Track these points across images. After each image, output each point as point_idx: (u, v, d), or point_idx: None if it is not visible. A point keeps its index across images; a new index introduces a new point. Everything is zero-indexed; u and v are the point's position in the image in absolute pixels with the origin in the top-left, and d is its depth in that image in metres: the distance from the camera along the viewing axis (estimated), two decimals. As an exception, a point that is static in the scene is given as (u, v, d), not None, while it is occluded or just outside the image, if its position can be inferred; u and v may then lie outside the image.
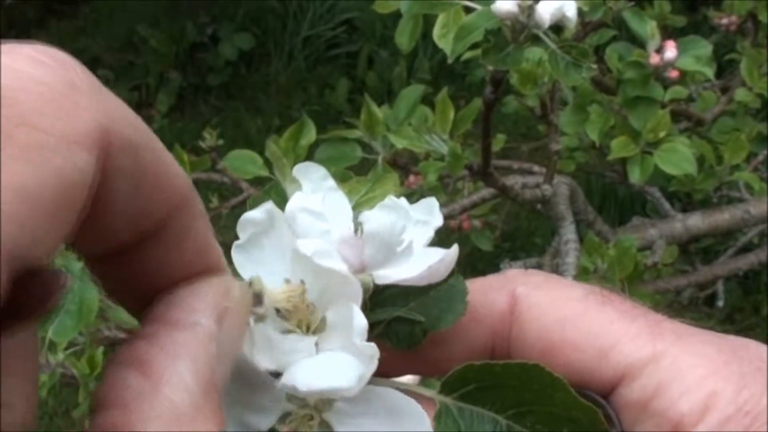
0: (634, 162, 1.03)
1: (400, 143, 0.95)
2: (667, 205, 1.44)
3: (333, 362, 0.24)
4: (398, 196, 0.28)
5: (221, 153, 1.20)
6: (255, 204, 0.27)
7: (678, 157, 1.02)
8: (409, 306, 0.27)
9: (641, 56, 1.00)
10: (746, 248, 1.54)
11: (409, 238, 0.26)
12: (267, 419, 0.26)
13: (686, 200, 1.71)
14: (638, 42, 1.03)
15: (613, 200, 2.20)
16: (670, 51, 0.98)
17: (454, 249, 0.26)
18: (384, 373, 0.26)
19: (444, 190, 1.30)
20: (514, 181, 1.19)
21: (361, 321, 0.24)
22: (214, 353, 0.21)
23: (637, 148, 1.03)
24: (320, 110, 2.77)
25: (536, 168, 1.31)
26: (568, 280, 0.28)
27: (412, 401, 0.25)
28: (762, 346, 0.27)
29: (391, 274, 0.26)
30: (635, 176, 1.03)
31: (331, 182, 0.28)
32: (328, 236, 0.26)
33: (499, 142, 1.43)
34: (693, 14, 2.13)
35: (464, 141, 1.20)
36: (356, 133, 0.98)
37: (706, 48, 1.00)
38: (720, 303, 1.75)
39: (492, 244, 1.47)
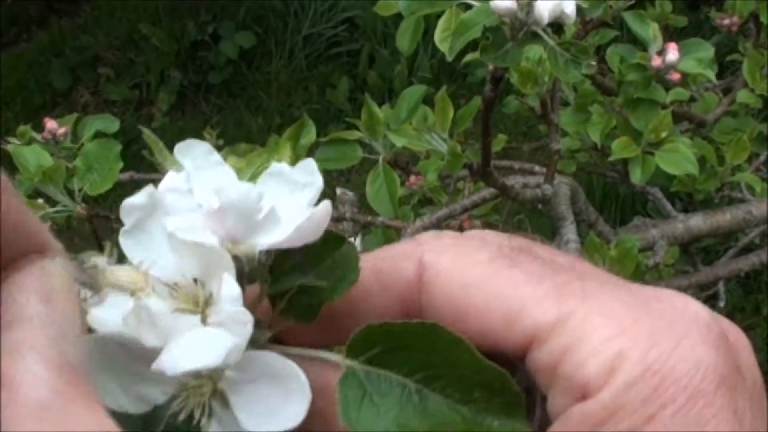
0: (636, 162, 1.03)
1: (399, 142, 0.95)
2: (668, 206, 1.44)
3: (204, 339, 0.24)
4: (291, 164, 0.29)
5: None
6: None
7: (679, 157, 1.02)
8: (308, 277, 0.27)
9: (643, 59, 0.99)
10: (747, 249, 1.54)
11: (270, 204, 0.26)
12: (162, 391, 0.26)
13: (687, 201, 1.71)
14: (640, 43, 1.02)
15: (615, 200, 2.20)
16: (672, 53, 0.98)
17: (323, 205, 0.26)
18: (305, 346, 0.27)
19: (445, 190, 1.29)
20: (514, 181, 1.18)
21: (231, 288, 0.24)
22: (54, 335, 0.21)
23: (639, 149, 1.03)
24: (321, 109, 2.77)
25: (537, 168, 1.31)
26: (477, 242, 0.28)
27: (290, 363, 0.25)
28: (677, 297, 0.26)
29: (264, 240, 0.26)
30: (636, 176, 1.03)
31: (216, 157, 0.28)
32: (196, 212, 0.26)
33: (499, 141, 1.42)
34: (694, 14, 2.13)
35: (465, 140, 1.20)
36: (356, 135, 0.98)
37: (707, 50, 1.00)
38: (721, 303, 1.75)
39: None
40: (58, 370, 0.20)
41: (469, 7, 0.73)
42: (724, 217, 1.26)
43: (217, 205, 0.26)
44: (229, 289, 0.24)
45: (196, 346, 0.24)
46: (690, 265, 1.41)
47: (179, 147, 0.28)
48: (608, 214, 2.13)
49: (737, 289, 2.01)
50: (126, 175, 1.04)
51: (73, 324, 0.22)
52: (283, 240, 0.26)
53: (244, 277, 0.26)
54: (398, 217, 1.00)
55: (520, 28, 0.62)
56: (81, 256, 0.24)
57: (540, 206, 1.14)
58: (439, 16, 0.82)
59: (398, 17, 0.91)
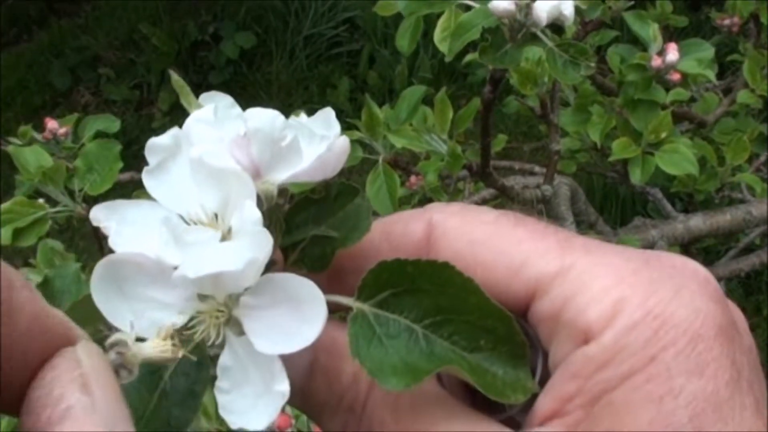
0: (636, 163, 1.03)
1: (398, 143, 0.95)
2: (668, 206, 1.44)
3: (223, 249, 0.25)
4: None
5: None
6: None
7: (679, 158, 1.02)
8: (321, 227, 0.28)
9: (643, 59, 0.99)
10: (748, 249, 1.54)
11: (293, 134, 0.26)
12: (176, 316, 0.26)
13: (688, 201, 1.71)
14: (640, 43, 1.02)
15: (615, 200, 2.20)
16: (672, 54, 0.98)
17: (343, 139, 0.27)
18: None
19: (445, 190, 1.29)
20: (514, 181, 1.18)
21: (252, 211, 0.25)
22: (99, 421, 0.21)
23: (639, 149, 1.03)
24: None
25: (537, 168, 1.31)
26: (484, 207, 0.29)
27: (310, 283, 0.25)
28: (674, 255, 0.27)
29: (284, 171, 0.27)
30: (636, 177, 1.03)
31: (238, 110, 0.28)
32: (222, 143, 0.26)
33: (500, 142, 1.42)
34: (695, 14, 2.12)
35: (465, 140, 1.20)
36: (356, 134, 0.98)
37: (707, 51, 1.00)
38: (721, 304, 1.75)
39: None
40: None
41: (468, 7, 0.73)
42: (725, 218, 1.26)
43: (243, 130, 0.26)
44: (250, 211, 0.25)
45: (216, 254, 0.24)
46: (690, 266, 1.41)
47: (204, 96, 0.28)
48: (608, 215, 2.13)
49: (738, 289, 2.01)
50: (126, 175, 1.04)
51: (117, 404, 0.22)
52: (304, 170, 0.27)
53: (264, 216, 0.26)
54: (398, 217, 1.00)
55: (519, 30, 0.62)
56: (105, 334, 0.24)
57: (540, 207, 1.14)
58: (439, 16, 0.82)
59: (399, 17, 0.91)
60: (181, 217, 0.26)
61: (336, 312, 0.27)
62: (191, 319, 0.26)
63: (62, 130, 1.00)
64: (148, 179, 0.27)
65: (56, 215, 0.90)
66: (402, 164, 1.04)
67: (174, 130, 0.27)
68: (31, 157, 0.92)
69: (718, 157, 1.20)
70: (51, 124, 1.00)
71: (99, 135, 1.02)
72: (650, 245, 1.22)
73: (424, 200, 1.31)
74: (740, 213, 1.26)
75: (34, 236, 0.87)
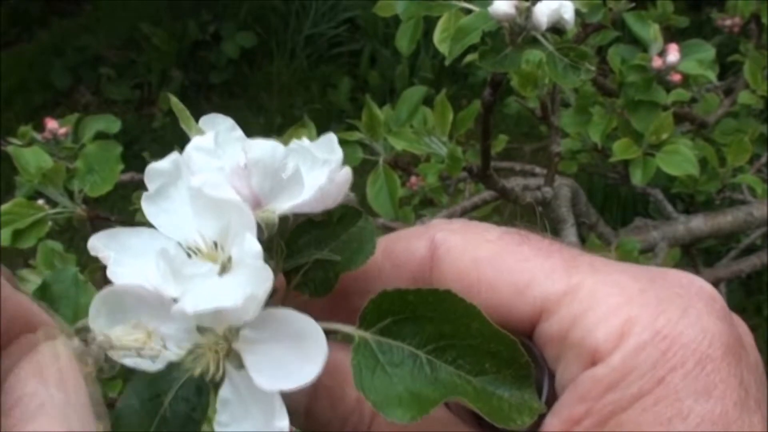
0: (636, 164, 1.03)
1: (398, 145, 0.95)
2: (669, 207, 1.44)
3: (224, 284, 0.24)
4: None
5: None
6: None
7: (680, 159, 1.02)
8: (324, 251, 0.28)
9: (644, 60, 0.99)
10: (748, 250, 1.54)
11: (294, 163, 0.26)
12: (177, 348, 0.26)
13: (689, 202, 1.71)
14: (641, 44, 1.02)
15: (616, 201, 2.20)
16: (673, 54, 0.98)
17: (345, 170, 0.27)
18: None
19: (445, 191, 1.29)
20: (515, 183, 1.18)
21: (253, 244, 0.24)
22: (71, 414, 0.21)
23: (640, 150, 1.02)
24: (322, 109, 2.77)
25: (538, 170, 1.31)
26: (486, 225, 0.28)
27: (308, 318, 0.25)
28: (681, 273, 0.27)
29: (285, 202, 0.26)
30: (637, 178, 1.03)
31: (239, 132, 0.28)
32: (222, 172, 0.26)
33: (500, 142, 1.42)
34: (696, 14, 2.12)
35: (466, 141, 1.19)
36: (357, 136, 0.98)
37: (708, 51, 1.00)
38: (722, 305, 1.75)
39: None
40: None
41: (468, 9, 0.73)
42: (725, 219, 1.26)
43: (244, 161, 0.26)
44: (250, 244, 0.24)
45: (215, 290, 0.24)
46: (691, 267, 1.41)
47: (204, 119, 0.28)
48: (609, 215, 2.12)
49: (738, 290, 2.01)
50: (127, 176, 1.04)
51: (83, 399, 0.22)
52: (305, 202, 0.26)
53: (263, 245, 0.26)
54: (398, 218, 1.00)
55: (519, 33, 0.62)
56: (74, 325, 0.24)
57: (540, 208, 1.14)
58: (439, 16, 0.81)
59: (399, 18, 0.91)
60: (180, 245, 0.26)
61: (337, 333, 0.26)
62: (191, 351, 0.26)
63: (62, 130, 0.99)
64: (147, 206, 0.27)
65: (56, 216, 0.90)
66: (402, 165, 1.04)
67: (174, 155, 0.27)
68: (31, 158, 0.91)
69: (719, 158, 1.20)
70: (51, 124, 1.00)
71: (99, 135, 1.01)
72: (651, 246, 1.22)
73: (425, 201, 1.31)
74: (741, 214, 1.26)
75: (34, 237, 0.87)
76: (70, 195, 0.89)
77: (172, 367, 0.26)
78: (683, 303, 0.25)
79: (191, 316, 0.24)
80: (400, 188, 0.99)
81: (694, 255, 1.40)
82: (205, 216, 0.26)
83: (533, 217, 0.90)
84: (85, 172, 0.90)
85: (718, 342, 0.24)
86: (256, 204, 0.26)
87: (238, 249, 0.25)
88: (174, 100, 0.29)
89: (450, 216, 1.03)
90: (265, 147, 0.26)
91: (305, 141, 0.28)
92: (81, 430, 0.21)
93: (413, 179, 1.26)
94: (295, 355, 0.25)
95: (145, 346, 0.24)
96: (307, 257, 0.27)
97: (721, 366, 0.24)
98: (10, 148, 0.94)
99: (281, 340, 0.25)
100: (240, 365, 0.25)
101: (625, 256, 1.03)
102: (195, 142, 0.27)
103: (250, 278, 0.24)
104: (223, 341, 0.26)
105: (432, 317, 0.25)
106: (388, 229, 1.07)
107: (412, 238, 0.28)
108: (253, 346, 0.25)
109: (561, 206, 1.09)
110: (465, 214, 1.14)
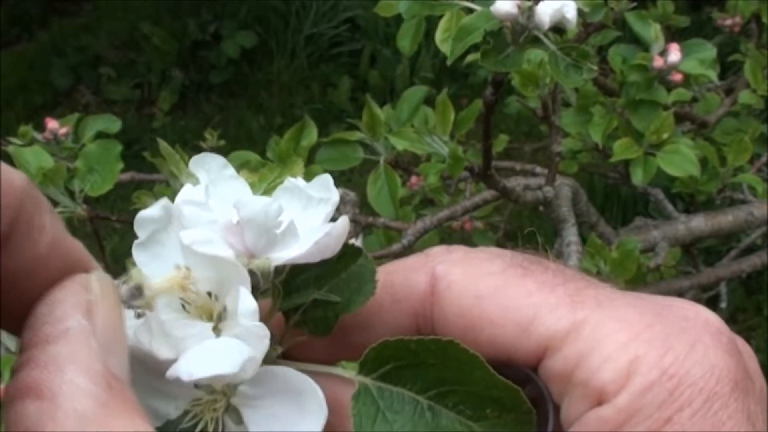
0: (637, 164, 1.03)
1: (400, 145, 0.94)
2: (670, 207, 1.44)
3: (220, 348, 0.24)
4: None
5: (224, 151, 1.20)
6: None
7: (681, 159, 1.02)
8: (323, 290, 0.27)
9: (645, 59, 0.99)
10: (749, 250, 1.54)
11: (289, 219, 0.26)
12: (175, 406, 0.25)
13: (689, 201, 1.71)
14: (642, 44, 1.02)
15: (616, 200, 2.20)
16: (674, 54, 0.98)
17: (342, 221, 0.26)
18: (315, 361, 0.26)
19: (446, 191, 1.29)
20: (516, 182, 1.18)
21: (248, 303, 0.24)
22: (95, 347, 0.21)
23: (640, 150, 1.02)
24: (323, 109, 2.77)
25: (539, 169, 1.31)
26: (488, 253, 0.28)
27: (307, 379, 0.25)
28: (687, 304, 0.26)
29: (281, 255, 0.26)
30: (638, 178, 1.03)
31: (231, 171, 0.28)
32: (214, 225, 0.26)
33: (501, 142, 1.42)
34: (697, 14, 2.12)
35: (467, 141, 1.19)
36: (357, 136, 0.97)
37: (709, 51, 1.00)
38: (723, 304, 1.75)
39: (494, 244, 1.46)
40: (100, 381, 0.21)
41: (470, 9, 0.73)
42: (726, 218, 1.26)
43: (236, 219, 0.25)
44: (245, 303, 0.24)
45: (212, 355, 0.24)
46: (691, 266, 1.41)
47: (195, 160, 0.28)
48: (610, 215, 2.12)
49: (739, 289, 2.01)
50: (127, 176, 1.04)
51: (116, 336, 0.22)
52: (301, 255, 0.26)
53: (258, 292, 0.25)
54: (399, 218, 1.00)
55: (521, 33, 0.62)
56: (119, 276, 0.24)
57: (541, 208, 1.14)
58: (441, 15, 0.81)
59: (400, 17, 0.91)
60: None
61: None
62: (188, 410, 0.26)
63: (63, 130, 0.99)
64: (138, 254, 0.27)
65: (57, 216, 0.89)
66: (403, 164, 1.04)
67: (164, 201, 0.27)
68: (32, 158, 0.91)
69: (719, 157, 1.20)
70: (51, 124, 1.00)
71: (100, 135, 1.01)
72: (651, 245, 1.22)
73: (426, 200, 1.31)
74: (742, 214, 1.26)
75: (35, 237, 0.87)
76: (71, 195, 0.89)
77: (170, 424, 0.26)
78: (690, 338, 0.24)
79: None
80: (400, 188, 0.99)
81: (694, 255, 1.40)
82: (198, 269, 0.25)
83: (534, 215, 0.90)
84: (85, 171, 0.90)
85: (726, 378, 0.24)
86: (251, 256, 0.26)
87: (232, 300, 0.25)
88: (163, 144, 0.29)
89: (451, 216, 1.03)
90: (256, 206, 0.25)
91: (300, 180, 0.28)
92: (101, 357, 0.21)
93: (414, 179, 1.26)
94: (294, 412, 0.25)
95: (184, 287, 0.24)
96: (305, 296, 0.27)
97: (729, 402, 0.24)
98: (10, 148, 0.94)
99: (279, 397, 0.25)
100: (239, 420, 0.25)
101: (626, 256, 1.03)
102: (185, 194, 0.26)
103: (248, 341, 0.24)
104: (221, 396, 0.26)
105: (434, 364, 0.25)
106: (388, 229, 1.07)
107: (412, 271, 0.27)
108: (251, 401, 0.25)
109: (562, 206, 1.09)
110: (466, 213, 1.14)
